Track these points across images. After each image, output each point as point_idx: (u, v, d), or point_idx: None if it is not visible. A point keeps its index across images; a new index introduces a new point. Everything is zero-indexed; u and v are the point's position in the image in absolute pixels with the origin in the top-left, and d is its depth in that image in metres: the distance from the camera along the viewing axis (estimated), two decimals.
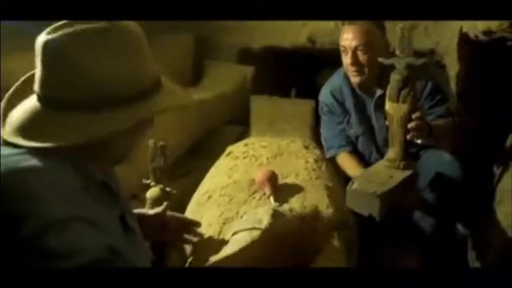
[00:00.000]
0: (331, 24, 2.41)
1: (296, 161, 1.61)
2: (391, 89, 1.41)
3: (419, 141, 1.48)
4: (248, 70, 2.67)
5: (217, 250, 1.12)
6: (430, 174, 1.57)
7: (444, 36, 2.11)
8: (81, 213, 0.65)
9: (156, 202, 1.18)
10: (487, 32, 1.57)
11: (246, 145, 1.73)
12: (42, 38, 0.69)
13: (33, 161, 0.66)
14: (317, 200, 1.36)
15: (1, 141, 0.71)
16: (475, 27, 1.65)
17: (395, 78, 1.40)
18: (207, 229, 1.23)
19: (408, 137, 1.41)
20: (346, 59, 1.65)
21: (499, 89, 1.89)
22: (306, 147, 1.74)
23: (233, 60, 2.77)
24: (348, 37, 1.62)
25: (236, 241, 1.08)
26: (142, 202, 1.40)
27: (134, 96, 0.71)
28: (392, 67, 1.42)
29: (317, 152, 1.73)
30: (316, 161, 1.63)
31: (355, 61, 1.62)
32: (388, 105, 1.42)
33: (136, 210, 1.03)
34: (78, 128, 0.68)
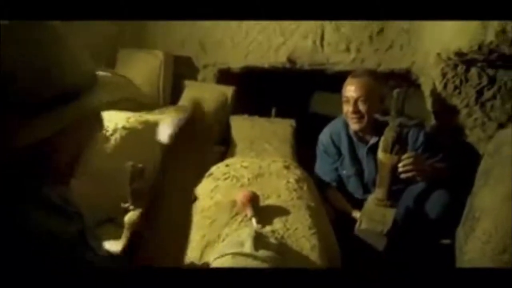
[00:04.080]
0: (309, 43, 2.45)
1: (278, 181, 1.60)
2: (385, 142, 1.69)
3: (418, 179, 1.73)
4: (228, 90, 2.67)
5: None
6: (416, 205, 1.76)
7: (418, 56, 2.17)
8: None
9: (134, 226, 1.15)
10: (459, 54, 1.62)
11: (227, 165, 1.72)
12: None
13: None
14: (299, 221, 1.35)
15: None
16: (448, 48, 1.70)
17: (389, 134, 1.67)
18: (188, 252, 1.19)
19: (403, 176, 1.67)
20: (348, 108, 1.86)
21: (470, 107, 1.95)
22: (287, 167, 1.74)
23: (212, 80, 2.78)
24: (351, 89, 1.84)
25: (219, 266, 1.06)
26: (118, 226, 1.36)
27: (64, 95, 0.65)
28: (386, 122, 1.69)
29: (298, 172, 1.73)
30: (297, 181, 1.62)
31: (356, 110, 1.83)
32: (382, 155, 1.70)
33: None
34: (18, 132, 0.61)
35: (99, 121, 0.77)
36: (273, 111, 2.66)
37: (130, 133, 1.78)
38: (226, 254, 1.08)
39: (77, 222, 0.75)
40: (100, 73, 0.76)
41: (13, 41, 0.63)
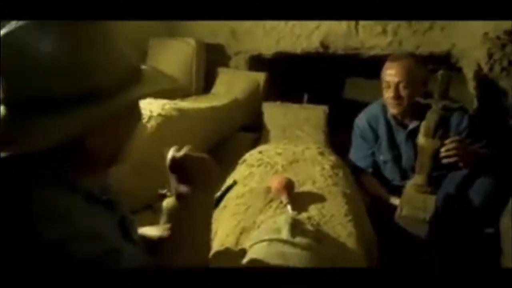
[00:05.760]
0: (343, 27, 2.39)
1: (312, 168, 1.58)
2: (427, 126, 1.63)
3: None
4: (260, 77, 2.65)
5: (235, 260, 1.09)
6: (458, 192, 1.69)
7: (460, 38, 2.07)
8: (76, 231, 0.61)
9: (172, 212, 1.16)
10: (511, 32, 1.53)
11: (260, 152, 1.71)
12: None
13: (15, 177, 0.63)
14: (335, 208, 1.32)
15: None
16: (497, 28, 1.61)
17: (432, 117, 1.62)
18: (224, 240, 1.20)
19: (446, 161, 1.61)
20: (388, 93, 1.80)
21: None
22: (322, 154, 1.71)
23: (244, 67, 2.77)
24: (392, 73, 1.78)
25: (255, 252, 1.06)
26: (156, 212, 1.39)
27: (106, 88, 0.66)
28: (426, 106, 1.64)
29: (333, 158, 1.70)
30: (332, 167, 1.60)
31: (397, 95, 1.77)
32: (423, 140, 1.65)
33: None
34: (49, 130, 0.63)
35: (138, 110, 0.78)
36: (305, 97, 2.63)
37: (166, 120, 1.80)
38: (263, 241, 1.07)
39: (117, 211, 0.77)
40: (143, 66, 0.77)
41: (65, 38, 0.64)
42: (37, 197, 0.63)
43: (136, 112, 0.77)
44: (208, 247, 0.85)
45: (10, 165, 0.65)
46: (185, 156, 0.83)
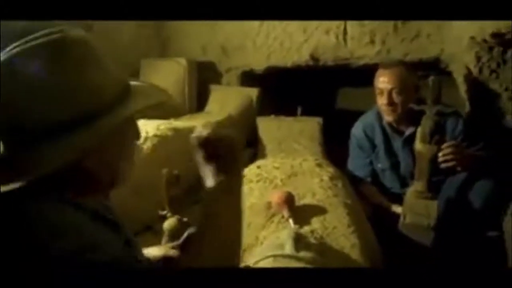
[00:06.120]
0: (332, 39, 2.42)
1: (311, 180, 1.57)
2: (423, 132, 1.64)
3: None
4: (253, 92, 2.66)
5: None
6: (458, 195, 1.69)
7: (448, 43, 2.10)
8: (87, 243, 0.61)
9: (174, 233, 1.15)
10: (497, 35, 1.56)
11: (259, 167, 1.70)
12: None
13: (20, 205, 0.62)
14: (337, 220, 1.32)
15: None
16: (483, 31, 1.64)
17: (427, 123, 1.62)
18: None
19: (444, 166, 1.61)
20: (382, 100, 1.81)
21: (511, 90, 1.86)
22: (319, 165, 1.71)
23: (236, 83, 2.78)
24: (384, 80, 1.80)
25: None
26: (156, 234, 1.37)
27: (97, 108, 0.65)
28: (421, 112, 1.65)
29: (331, 169, 1.70)
30: (331, 178, 1.59)
31: (390, 102, 1.78)
32: (420, 146, 1.65)
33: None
34: (46, 157, 0.62)
35: (135, 129, 0.77)
36: (299, 110, 2.64)
37: (161, 140, 1.80)
38: (267, 257, 1.06)
39: (121, 233, 0.75)
40: (132, 82, 0.76)
41: (54, 62, 0.63)
42: (44, 214, 0.62)
43: (132, 130, 0.76)
44: (238, 239, 0.77)
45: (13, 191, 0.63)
46: (211, 134, 0.78)
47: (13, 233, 0.60)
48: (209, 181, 0.77)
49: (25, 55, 0.63)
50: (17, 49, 0.63)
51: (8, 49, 0.63)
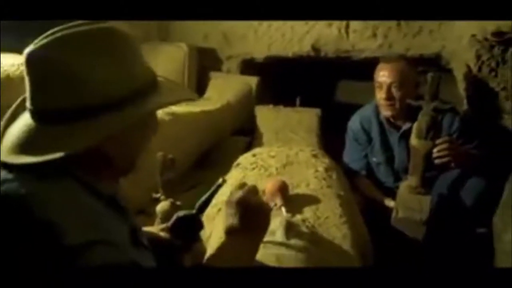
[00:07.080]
0: (334, 31, 2.41)
1: (306, 170, 1.58)
2: (419, 127, 1.63)
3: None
4: (252, 81, 2.66)
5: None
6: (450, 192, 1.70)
7: (449, 40, 2.10)
8: (99, 236, 0.62)
9: (166, 216, 1.16)
10: (498, 34, 1.56)
11: (254, 155, 1.71)
12: (27, 50, 0.67)
13: (35, 184, 0.64)
14: (330, 210, 1.33)
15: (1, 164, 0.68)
16: (484, 29, 1.64)
17: (423, 119, 1.62)
18: (218, 242, 1.19)
19: (438, 162, 1.61)
20: (381, 94, 1.80)
21: (508, 90, 1.87)
22: (315, 156, 1.71)
23: (236, 71, 2.77)
24: (384, 74, 1.79)
25: None
26: (149, 217, 1.38)
27: (127, 97, 0.69)
28: (418, 107, 1.64)
29: (326, 160, 1.70)
30: (326, 170, 1.60)
31: (389, 96, 1.77)
32: (415, 141, 1.65)
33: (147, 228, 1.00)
34: (73, 138, 0.66)
35: (155, 121, 0.80)
36: (298, 100, 2.64)
37: (159, 124, 1.80)
38: None
39: (128, 217, 0.77)
40: (160, 78, 0.79)
41: (87, 50, 0.67)
42: (63, 203, 0.64)
43: (152, 122, 0.79)
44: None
45: (35, 172, 0.66)
46: (244, 197, 0.86)
47: (24, 211, 0.62)
48: (229, 237, 0.86)
49: (58, 44, 0.66)
50: (59, 33, 0.66)
51: (38, 40, 0.67)
